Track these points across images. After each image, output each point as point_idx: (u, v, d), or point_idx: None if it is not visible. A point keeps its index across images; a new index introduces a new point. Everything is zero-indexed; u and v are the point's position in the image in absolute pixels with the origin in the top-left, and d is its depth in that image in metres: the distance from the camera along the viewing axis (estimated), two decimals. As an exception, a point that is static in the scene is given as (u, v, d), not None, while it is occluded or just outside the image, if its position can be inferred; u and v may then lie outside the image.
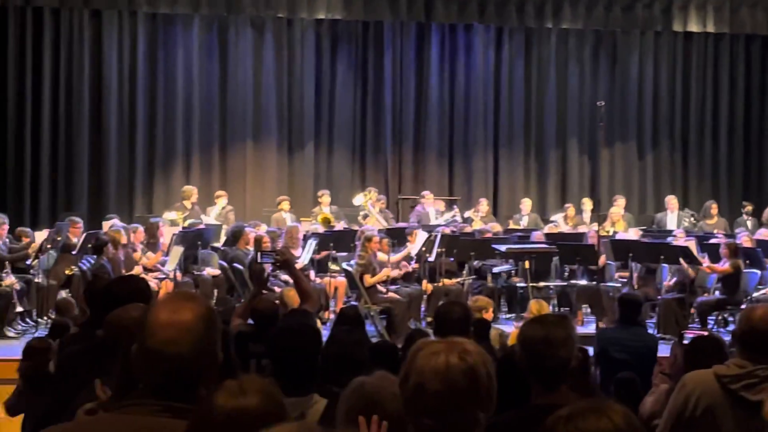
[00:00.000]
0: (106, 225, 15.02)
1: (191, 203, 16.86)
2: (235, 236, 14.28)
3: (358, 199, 17.24)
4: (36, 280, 13.54)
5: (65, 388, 4.61)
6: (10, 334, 12.70)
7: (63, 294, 13.09)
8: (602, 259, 14.27)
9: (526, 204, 18.33)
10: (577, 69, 20.80)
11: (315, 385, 4.61)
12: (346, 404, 3.45)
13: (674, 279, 13.96)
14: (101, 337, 4.12)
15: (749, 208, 18.15)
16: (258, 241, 13.76)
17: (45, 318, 13.34)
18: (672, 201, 18.27)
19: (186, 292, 3.84)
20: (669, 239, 14.77)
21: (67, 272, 13.56)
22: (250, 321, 7.45)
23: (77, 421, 3.02)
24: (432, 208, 17.64)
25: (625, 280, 14.41)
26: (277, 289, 13.04)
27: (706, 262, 13.80)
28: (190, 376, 2.45)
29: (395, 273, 13.99)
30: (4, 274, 13.23)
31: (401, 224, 16.57)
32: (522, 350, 3.79)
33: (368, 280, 13.46)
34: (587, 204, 18.25)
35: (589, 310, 14.58)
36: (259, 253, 7.55)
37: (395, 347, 6.46)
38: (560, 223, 17.53)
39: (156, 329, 2.47)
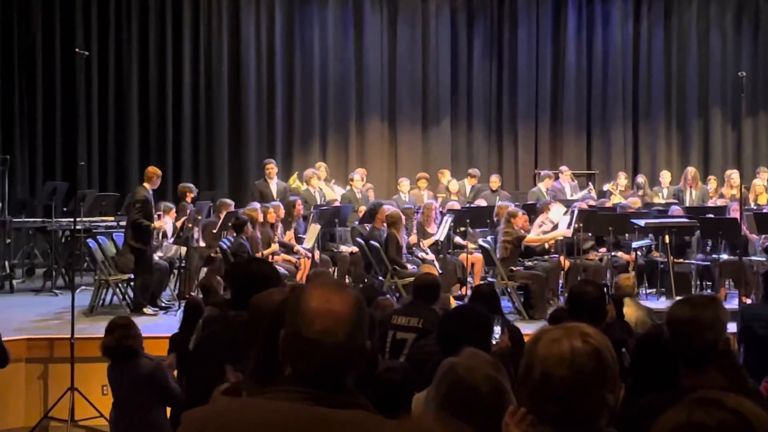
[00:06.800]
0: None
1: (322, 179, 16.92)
2: (372, 214, 14.30)
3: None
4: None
5: (204, 368, 4.70)
6: (149, 312, 12.95)
7: (203, 272, 13.34)
8: (751, 235, 13.93)
9: (666, 177, 17.90)
10: (719, 37, 20.32)
11: None
12: (438, 390, 3.42)
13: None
14: (244, 319, 4.14)
15: None
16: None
17: (187, 296, 13.65)
18: (820, 171, 17.66)
19: (336, 281, 3.87)
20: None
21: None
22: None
23: (221, 405, 3.05)
24: (568, 183, 17.42)
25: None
26: (411, 267, 13.07)
27: None
28: (343, 365, 2.47)
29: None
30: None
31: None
32: (669, 330, 3.80)
33: (529, 239, 13.46)
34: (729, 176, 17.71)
35: (732, 284, 14.27)
36: None
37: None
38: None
39: (313, 318, 2.47)
